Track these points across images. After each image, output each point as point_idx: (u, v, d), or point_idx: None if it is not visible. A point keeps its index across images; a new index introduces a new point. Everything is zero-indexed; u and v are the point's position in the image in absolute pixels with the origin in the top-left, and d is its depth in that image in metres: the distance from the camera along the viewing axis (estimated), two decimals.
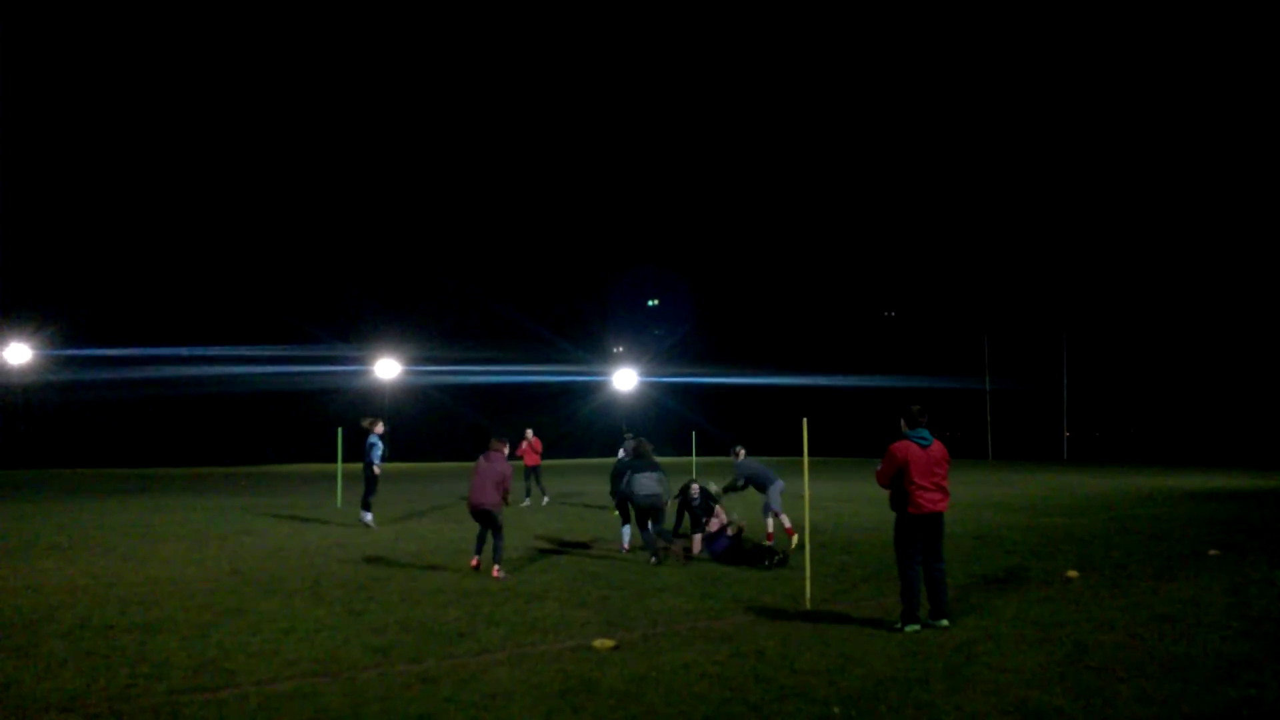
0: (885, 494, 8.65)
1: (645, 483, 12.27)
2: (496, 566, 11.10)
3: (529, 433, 21.97)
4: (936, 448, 8.30)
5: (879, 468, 8.38)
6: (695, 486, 13.19)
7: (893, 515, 8.48)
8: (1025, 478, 32.97)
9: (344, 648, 7.60)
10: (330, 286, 53.69)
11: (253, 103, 56.68)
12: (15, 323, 43.96)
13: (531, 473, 21.71)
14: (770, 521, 14.07)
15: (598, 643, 7.61)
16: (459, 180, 61.85)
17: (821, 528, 15.47)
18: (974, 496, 23.74)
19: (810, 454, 9.80)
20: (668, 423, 53.00)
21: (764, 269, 62.97)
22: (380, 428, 17.28)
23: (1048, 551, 13.20)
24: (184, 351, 45.53)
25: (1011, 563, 12.11)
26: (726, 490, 14.34)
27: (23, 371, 44.93)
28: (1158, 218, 53.95)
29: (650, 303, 64.97)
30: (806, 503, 9.69)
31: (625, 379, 56.52)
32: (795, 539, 13.36)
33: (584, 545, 14.12)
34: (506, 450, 11.88)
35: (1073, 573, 11.09)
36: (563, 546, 13.99)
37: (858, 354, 57.99)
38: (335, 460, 22.78)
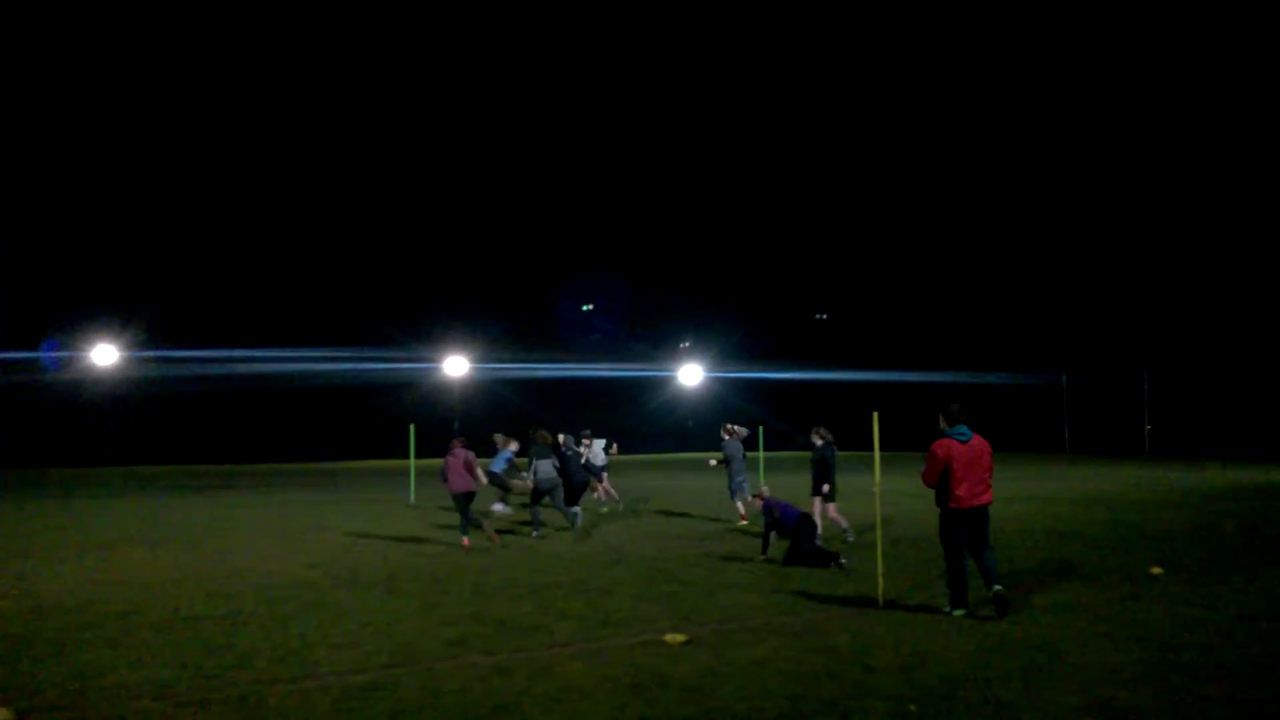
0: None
1: (545, 467, 15.06)
2: (493, 529, 13.83)
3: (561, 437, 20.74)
4: (977, 442, 8.49)
5: (923, 468, 8.54)
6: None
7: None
8: (1105, 472, 32.08)
9: (420, 640, 7.74)
10: (402, 286, 54.71)
11: (326, 111, 57.97)
12: (102, 324, 45.71)
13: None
14: (741, 504, 15.97)
15: (669, 637, 7.63)
16: (526, 179, 62.40)
17: (894, 523, 15.26)
18: (1052, 491, 23.19)
19: (881, 449, 9.66)
20: (734, 418, 52.72)
21: (831, 262, 62.22)
22: (514, 446, 17.31)
23: (1129, 547, 12.83)
24: (261, 353, 46.82)
25: (1092, 559, 11.80)
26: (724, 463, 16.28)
27: (110, 371, 46.72)
28: (1239, 209, 51.93)
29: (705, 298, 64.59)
30: (878, 498, 9.57)
31: (691, 374, 56.48)
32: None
33: (653, 542, 14.15)
34: (461, 445, 13.86)
35: (1157, 569, 10.75)
36: (632, 543, 14.04)
37: (929, 348, 56.96)
38: (408, 456, 23.19)
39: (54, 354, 45.33)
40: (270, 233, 52.34)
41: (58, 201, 48.48)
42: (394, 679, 6.59)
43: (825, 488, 13.61)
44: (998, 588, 8.31)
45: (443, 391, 52.54)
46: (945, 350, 56.32)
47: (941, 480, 8.40)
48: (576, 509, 15.43)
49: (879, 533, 9.43)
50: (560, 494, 15.28)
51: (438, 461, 14.99)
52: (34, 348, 44.73)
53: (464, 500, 13.52)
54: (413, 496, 21.64)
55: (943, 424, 8.60)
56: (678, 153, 67.14)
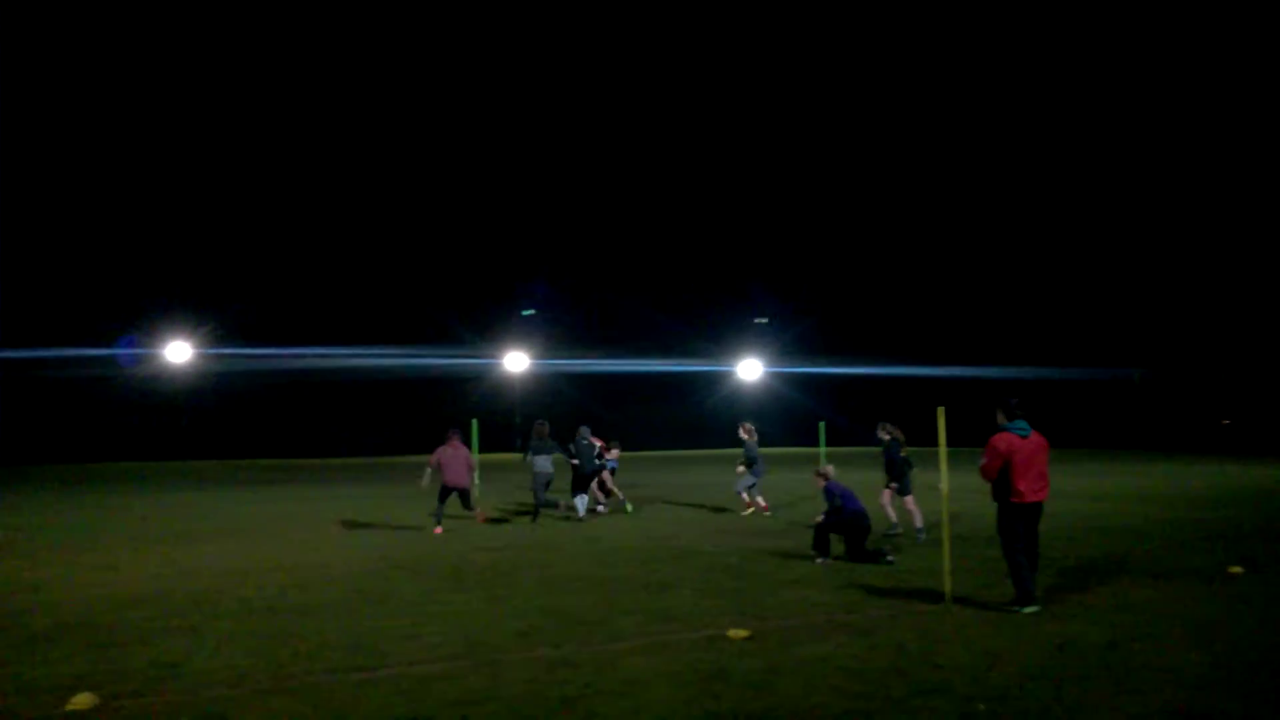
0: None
1: (541, 461, 16.16)
2: (479, 510, 15.69)
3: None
4: (1036, 438, 8.50)
5: (982, 462, 8.53)
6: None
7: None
8: (1181, 469, 31.14)
9: (486, 632, 7.84)
10: (466, 283, 55.49)
11: (393, 113, 58.93)
12: (177, 323, 47.17)
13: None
14: (749, 497, 16.86)
15: (732, 633, 7.62)
16: (588, 177, 62.69)
17: (961, 520, 15.03)
18: (1126, 488, 22.61)
19: (949, 445, 9.52)
20: (794, 414, 52.38)
21: (897, 255, 61.33)
22: (615, 452, 17.99)
23: (1207, 545, 12.45)
24: (328, 351, 47.87)
25: (1168, 557, 11.47)
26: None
27: (184, 368, 48.17)
28: None
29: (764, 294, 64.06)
30: (945, 495, 9.43)
31: (750, 369, 56.17)
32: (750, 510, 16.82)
33: (715, 537, 14.14)
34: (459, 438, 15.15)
35: (1236, 568, 10.41)
36: (694, 538, 14.04)
37: (997, 343, 55.83)
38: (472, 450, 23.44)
39: (131, 351, 46.89)
40: (339, 232, 53.50)
41: (135, 204, 50.13)
42: (461, 670, 6.69)
43: (893, 484, 13.61)
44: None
45: (504, 387, 53.13)
46: (1012, 345, 55.17)
47: (1001, 475, 8.42)
48: (581, 498, 16.34)
49: (945, 529, 9.28)
50: (570, 483, 16.53)
51: (502, 456, 15.35)
52: (112, 345, 46.33)
53: (455, 493, 14.93)
54: (476, 491, 21.89)
55: (1001, 419, 8.60)
56: (740, 149, 66.76)
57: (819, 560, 11.31)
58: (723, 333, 57.80)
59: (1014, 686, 6.20)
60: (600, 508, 17.62)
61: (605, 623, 8.16)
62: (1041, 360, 51.67)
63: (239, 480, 30.58)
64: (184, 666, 6.83)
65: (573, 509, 16.37)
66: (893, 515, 13.82)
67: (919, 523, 13.39)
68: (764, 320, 59.85)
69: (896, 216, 61.49)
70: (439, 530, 14.61)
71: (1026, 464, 8.35)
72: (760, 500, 17.18)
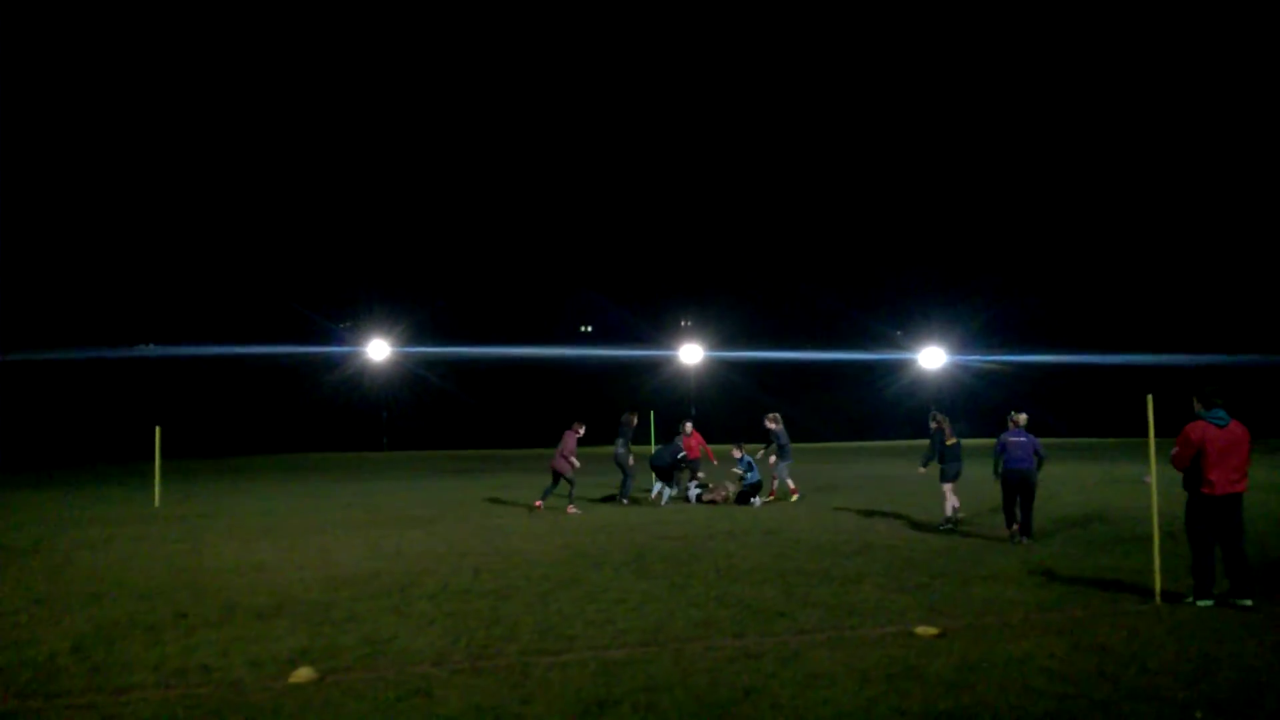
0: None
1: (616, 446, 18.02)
2: (571, 505, 16.39)
3: (687, 426, 19.00)
4: (1235, 427, 8.14)
5: (1174, 450, 8.20)
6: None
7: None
8: None
9: (669, 620, 7.96)
10: (643, 281, 56.66)
11: (545, 115, 60.71)
12: (377, 322, 50.49)
13: (689, 465, 18.86)
14: (778, 484, 18.09)
15: (920, 629, 7.39)
16: (754, 168, 62.33)
17: (1171, 515, 13.96)
18: None
19: (1144, 434, 8.87)
20: (978, 404, 50.16)
21: (1093, 236, 57.48)
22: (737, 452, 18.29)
23: None
24: (515, 350, 50.00)
25: None
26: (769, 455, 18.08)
27: (384, 365, 51.49)
28: None
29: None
30: (1154, 489, 8.79)
31: (933, 358, 54.19)
32: (796, 496, 18.09)
33: (900, 530, 13.77)
34: (582, 430, 16.71)
35: None
36: (878, 532, 13.73)
37: (1197, 329, 51.42)
38: (648, 442, 23.83)
39: (338, 349, 50.57)
40: (525, 235, 55.78)
41: (346, 214, 53.98)
42: (647, 656, 6.82)
43: (921, 469, 15.01)
44: (1247, 601, 7.95)
45: (679, 378, 53.72)
46: (1214, 331, 50.68)
47: (1193, 465, 8.12)
48: (659, 486, 18.17)
49: (1155, 524, 8.66)
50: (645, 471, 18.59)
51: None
52: (322, 344, 50.11)
53: (555, 476, 16.44)
54: (653, 480, 22.20)
55: (1197, 407, 8.28)
56: (934, 133, 64.48)
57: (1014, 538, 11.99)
58: (906, 320, 56.03)
59: (1236, 693, 5.71)
60: (694, 491, 18.39)
61: (787, 615, 8.10)
62: (1248, 346, 47.25)
63: (433, 470, 32.32)
64: (391, 645, 7.29)
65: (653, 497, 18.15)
66: (949, 506, 13.80)
67: (947, 510, 13.66)
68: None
69: (1099, 197, 57.59)
70: (539, 504, 16.79)
71: (1221, 454, 8.03)
72: (776, 485, 18.26)
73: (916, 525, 14.10)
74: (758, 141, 65.24)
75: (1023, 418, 12.37)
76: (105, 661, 6.91)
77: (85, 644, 7.40)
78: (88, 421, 42.33)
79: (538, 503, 16.88)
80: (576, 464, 16.38)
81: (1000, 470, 12.17)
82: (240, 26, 54.77)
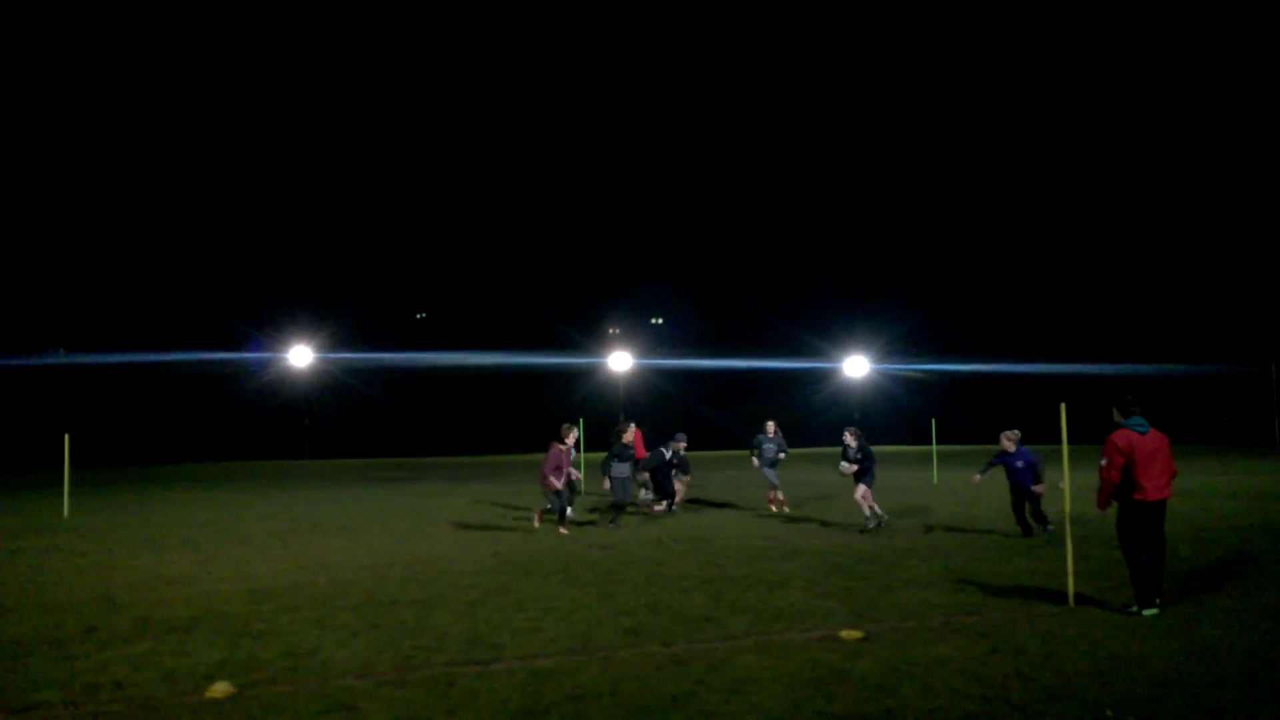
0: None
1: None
2: (560, 526, 14.57)
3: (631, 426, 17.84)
4: (1154, 434, 8.29)
5: (1103, 461, 8.26)
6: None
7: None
8: None
9: (598, 628, 7.94)
10: (572, 287, 56.51)
11: (503, 123, 60.22)
12: (299, 328, 49.35)
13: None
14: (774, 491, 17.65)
15: (845, 633, 7.51)
16: (690, 175, 62.78)
17: (1083, 520, 14.45)
18: (1263, 487, 21.36)
19: (1070, 442, 9.18)
20: (901, 412, 51.28)
21: (1009, 248, 59.30)
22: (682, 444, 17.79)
23: None
24: (441, 356, 49.36)
25: None
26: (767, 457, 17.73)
27: (305, 372, 50.34)
28: None
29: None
30: (1066, 493, 9.10)
31: (857, 366, 55.20)
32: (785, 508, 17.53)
33: (825, 536, 13.97)
34: (570, 440, 14.99)
35: None
36: (804, 537, 13.90)
37: (1119, 339, 53.43)
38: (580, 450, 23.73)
39: (257, 355, 49.30)
40: (450, 242, 55.12)
41: (262, 216, 52.64)
42: (575, 665, 6.79)
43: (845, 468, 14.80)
44: (1153, 609, 8.14)
45: (608, 387, 53.74)
46: (1130, 341, 52.74)
47: (1123, 473, 8.19)
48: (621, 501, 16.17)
49: (1068, 529, 8.95)
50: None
51: (602, 455, 15.63)
52: (240, 350, 48.81)
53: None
54: (583, 488, 22.15)
55: (1117, 416, 8.43)
56: (860, 144, 65.72)
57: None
58: (830, 329, 57.00)
59: (1145, 692, 5.94)
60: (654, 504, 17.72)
61: (715, 621, 8.15)
62: (1159, 356, 49.26)
63: (357, 478, 31.73)
64: (313, 657, 7.13)
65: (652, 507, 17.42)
66: (864, 508, 14.31)
67: (866, 512, 14.26)
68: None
69: (1013, 208, 59.47)
70: (536, 520, 15.49)
71: (1148, 460, 8.14)
72: (770, 492, 18.02)
73: (842, 530, 14.34)
74: (686, 151, 65.84)
75: (1015, 435, 13.42)
76: (9, 679, 6.61)
77: None
78: None
79: (561, 529, 14.52)
80: (556, 484, 14.43)
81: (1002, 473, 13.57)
82: (162, 27, 53.21)
